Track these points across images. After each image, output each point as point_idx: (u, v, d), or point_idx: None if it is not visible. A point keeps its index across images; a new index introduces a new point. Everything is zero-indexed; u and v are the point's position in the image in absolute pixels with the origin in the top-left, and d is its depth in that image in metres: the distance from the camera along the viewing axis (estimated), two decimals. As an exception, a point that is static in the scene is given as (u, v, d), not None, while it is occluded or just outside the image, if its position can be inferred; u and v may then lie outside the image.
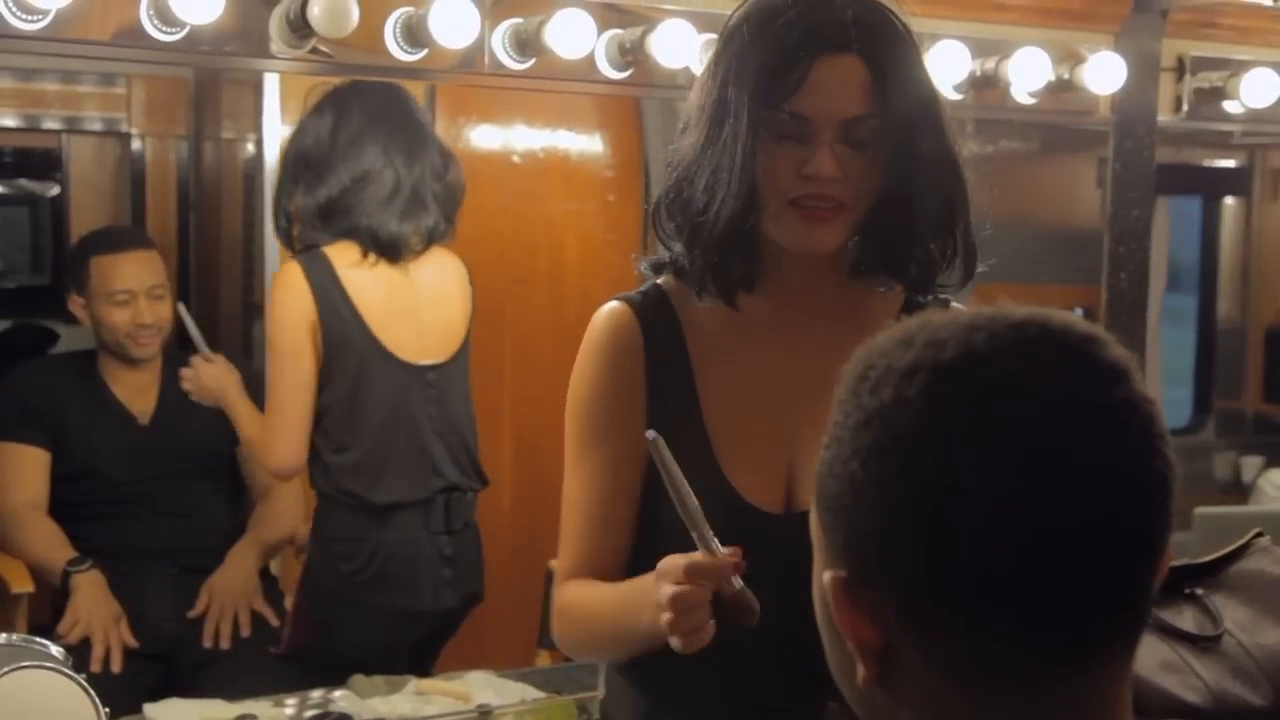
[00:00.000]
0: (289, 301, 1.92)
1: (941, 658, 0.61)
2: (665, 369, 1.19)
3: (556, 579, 1.23)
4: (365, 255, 1.97)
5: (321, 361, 1.95)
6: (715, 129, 1.11)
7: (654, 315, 1.19)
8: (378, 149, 1.97)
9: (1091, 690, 0.62)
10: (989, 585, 0.58)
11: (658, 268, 1.22)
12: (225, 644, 2.10)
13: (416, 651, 2.10)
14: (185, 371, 2.09)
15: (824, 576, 0.63)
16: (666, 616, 1.03)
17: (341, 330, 1.95)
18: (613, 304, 1.21)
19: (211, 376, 2.07)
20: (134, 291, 2.13)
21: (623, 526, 1.20)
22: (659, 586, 1.05)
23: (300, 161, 2.00)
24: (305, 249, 1.99)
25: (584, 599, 1.20)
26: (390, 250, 1.97)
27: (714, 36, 2.03)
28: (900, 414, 0.59)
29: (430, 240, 2.03)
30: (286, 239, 2.03)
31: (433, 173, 2.02)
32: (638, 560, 1.20)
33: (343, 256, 1.97)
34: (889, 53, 1.10)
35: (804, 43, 1.09)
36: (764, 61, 1.09)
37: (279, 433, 1.93)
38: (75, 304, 2.17)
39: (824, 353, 1.08)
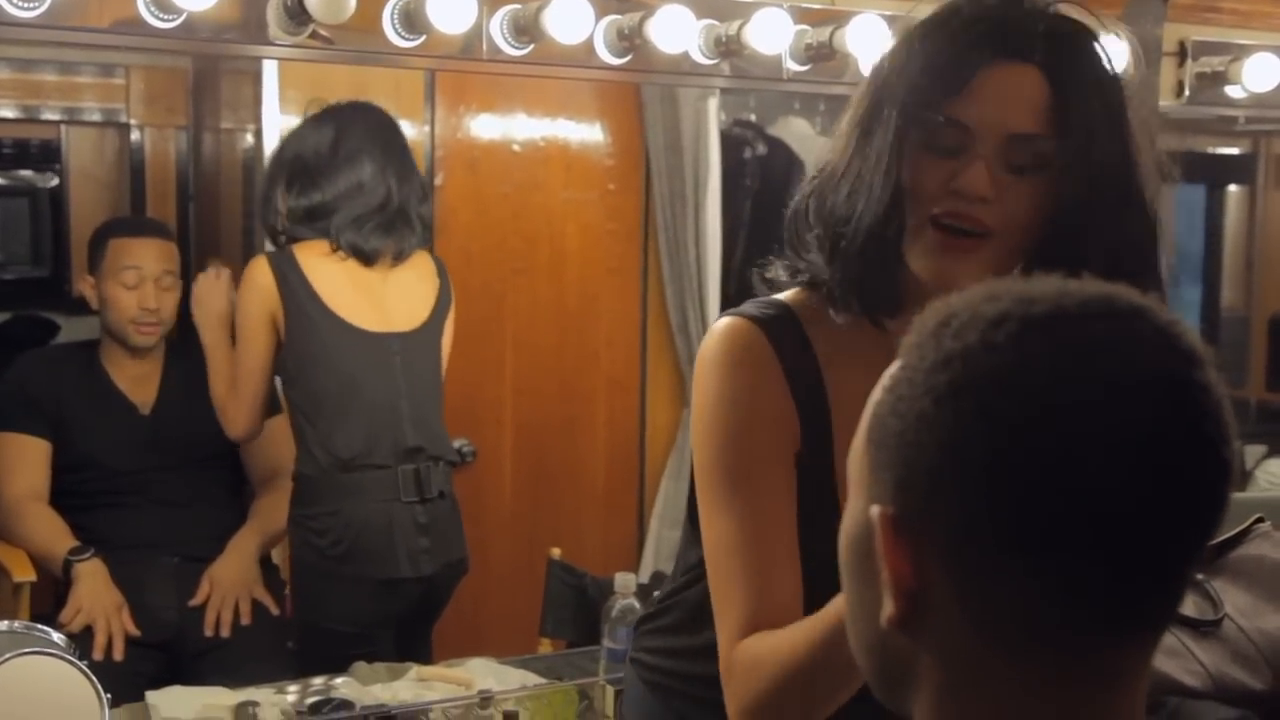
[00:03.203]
0: (252, 293, 2.07)
1: (978, 606, 0.60)
2: (800, 394, 1.04)
3: (727, 639, 1.02)
4: (335, 251, 2.09)
5: (289, 345, 2.07)
6: (866, 133, 0.99)
7: (782, 335, 1.05)
8: (375, 166, 2.11)
9: (1118, 666, 0.62)
10: (1042, 538, 0.58)
11: (794, 272, 1.08)
12: (225, 632, 2.10)
13: (407, 626, 2.12)
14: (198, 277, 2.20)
15: (872, 510, 0.63)
16: None
17: (305, 316, 2.06)
18: (733, 320, 1.06)
19: (204, 291, 2.17)
20: (144, 274, 2.14)
21: (796, 561, 1.03)
22: None
23: (297, 164, 2.12)
24: (281, 244, 2.12)
25: (787, 642, 0.98)
26: (365, 258, 2.11)
27: (713, 21, 2.04)
28: (985, 356, 0.60)
29: (405, 254, 2.15)
30: (271, 232, 2.15)
31: (417, 198, 2.17)
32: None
33: (313, 251, 2.09)
34: (1079, 72, 0.96)
35: (978, 43, 0.95)
36: (929, 60, 0.96)
37: (238, 405, 2.12)
38: (86, 284, 2.18)
39: None
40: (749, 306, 1.07)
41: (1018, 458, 0.58)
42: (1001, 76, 0.95)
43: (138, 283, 2.14)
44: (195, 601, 2.11)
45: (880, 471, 0.63)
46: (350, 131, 2.12)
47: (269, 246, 2.18)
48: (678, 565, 1.22)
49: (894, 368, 0.65)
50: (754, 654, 1.00)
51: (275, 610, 2.15)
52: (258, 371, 2.09)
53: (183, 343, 2.32)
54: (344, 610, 2.05)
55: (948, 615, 0.61)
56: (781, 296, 1.08)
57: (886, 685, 0.67)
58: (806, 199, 1.05)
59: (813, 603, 0.99)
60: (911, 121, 0.97)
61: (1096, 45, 1.00)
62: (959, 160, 0.96)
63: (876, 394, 0.66)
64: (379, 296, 2.13)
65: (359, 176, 2.09)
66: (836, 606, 0.92)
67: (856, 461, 0.67)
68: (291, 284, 2.06)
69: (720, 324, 1.07)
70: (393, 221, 2.11)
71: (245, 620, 2.12)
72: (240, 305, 2.09)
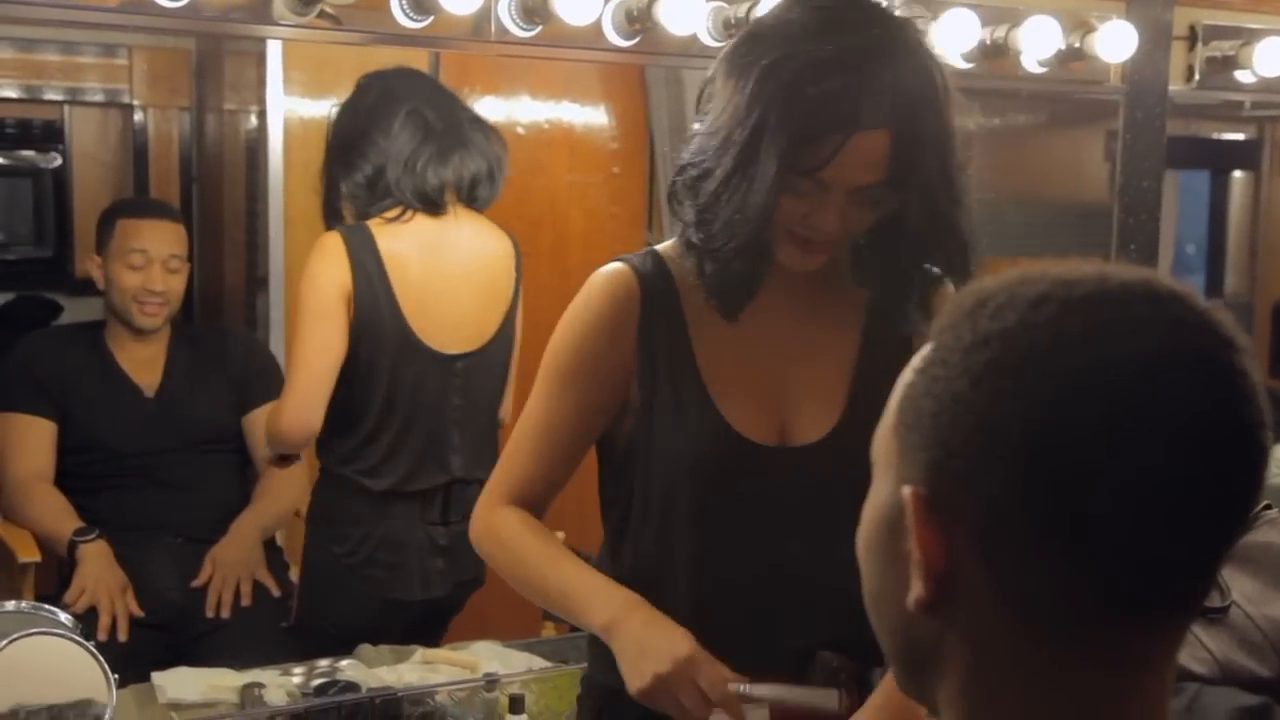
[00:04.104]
0: (325, 266, 1.90)
1: (1008, 588, 0.60)
2: (660, 328, 1.25)
3: (490, 490, 1.30)
4: (401, 214, 1.95)
5: (348, 333, 1.94)
6: (744, 168, 1.15)
7: (653, 277, 1.26)
8: (405, 107, 1.97)
9: (1148, 648, 0.62)
10: (1077, 519, 0.58)
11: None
12: (226, 614, 2.10)
13: (409, 635, 2.05)
14: None
15: (903, 491, 0.62)
16: (644, 680, 1.14)
17: (372, 307, 1.93)
18: (615, 264, 1.29)
19: None
20: (150, 256, 2.13)
21: (568, 469, 1.30)
22: (659, 640, 1.15)
23: (337, 151, 2.00)
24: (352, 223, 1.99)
25: (529, 544, 1.27)
26: (432, 203, 1.95)
27: (723, 4, 2.03)
28: (1025, 337, 0.59)
29: (473, 190, 2.00)
30: (338, 217, 2.01)
31: (470, 121, 2.01)
32: (619, 495, 1.29)
33: (388, 233, 1.95)
34: (919, 126, 1.13)
35: (844, 121, 1.11)
36: (802, 131, 1.12)
37: (291, 395, 1.92)
38: (93, 263, 2.17)
39: (815, 307, 1.27)
40: (633, 256, 1.29)
41: (1055, 438, 0.58)
42: (859, 145, 1.12)
43: (144, 264, 2.13)
44: (197, 583, 2.11)
45: (913, 453, 0.63)
46: (368, 96, 2.00)
47: (275, 230, 2.15)
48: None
49: (925, 350, 0.64)
50: (506, 530, 1.28)
51: (276, 592, 2.15)
52: (323, 354, 1.87)
53: (188, 325, 2.32)
54: (347, 619, 2.01)
55: (978, 597, 0.61)
56: (659, 247, 1.29)
57: (909, 668, 0.67)
58: (690, 201, 1.20)
59: (673, 495, 1.24)
60: (785, 180, 1.14)
61: (936, 77, 1.15)
62: (813, 199, 1.16)
63: (907, 375, 0.65)
64: (454, 301, 1.98)
65: (391, 124, 1.94)
66: (613, 591, 1.20)
67: (884, 443, 0.66)
68: (366, 267, 1.89)
69: (606, 267, 1.28)
70: (446, 147, 1.95)
71: (246, 602, 2.11)
72: (310, 281, 1.90)
